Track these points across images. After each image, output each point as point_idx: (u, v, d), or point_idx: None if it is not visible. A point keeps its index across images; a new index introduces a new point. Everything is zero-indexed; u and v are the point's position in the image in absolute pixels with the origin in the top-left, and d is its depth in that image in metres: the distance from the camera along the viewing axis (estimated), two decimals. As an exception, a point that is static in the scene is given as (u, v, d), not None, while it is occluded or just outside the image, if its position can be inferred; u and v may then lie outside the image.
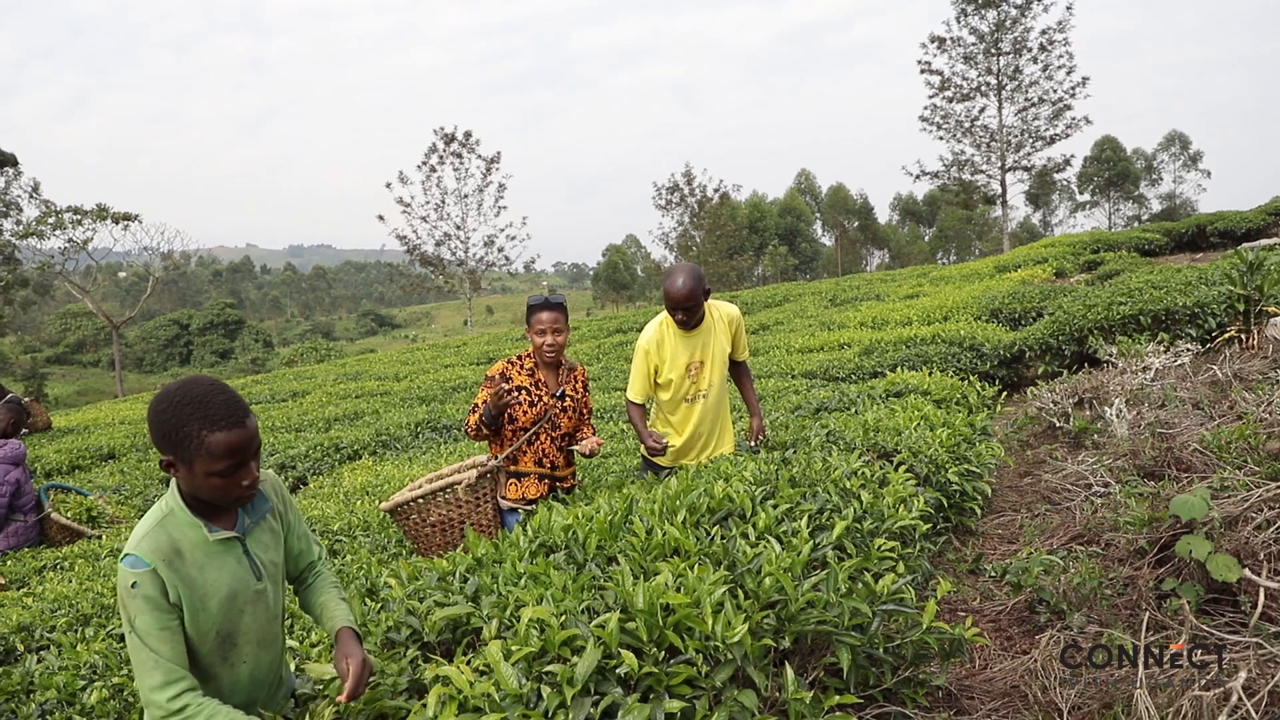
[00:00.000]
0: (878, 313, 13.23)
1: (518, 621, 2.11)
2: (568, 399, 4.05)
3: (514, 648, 1.96)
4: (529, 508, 3.95)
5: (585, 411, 4.19)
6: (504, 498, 4.00)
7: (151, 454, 10.92)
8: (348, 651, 1.95)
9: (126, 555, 1.78)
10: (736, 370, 4.43)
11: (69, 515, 6.56)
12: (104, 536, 6.35)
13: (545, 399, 3.99)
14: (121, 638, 3.68)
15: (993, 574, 3.72)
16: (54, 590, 4.56)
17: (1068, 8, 37.27)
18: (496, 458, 3.97)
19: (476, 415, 3.88)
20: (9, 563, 5.73)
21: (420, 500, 3.86)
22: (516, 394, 3.89)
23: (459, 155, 43.26)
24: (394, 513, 3.91)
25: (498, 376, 3.93)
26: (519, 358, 4.06)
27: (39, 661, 3.24)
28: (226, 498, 1.85)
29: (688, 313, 4.00)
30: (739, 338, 4.31)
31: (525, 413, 3.97)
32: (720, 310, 4.25)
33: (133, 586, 1.75)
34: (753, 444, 4.38)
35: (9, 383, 43.98)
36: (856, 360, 8.79)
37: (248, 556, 1.94)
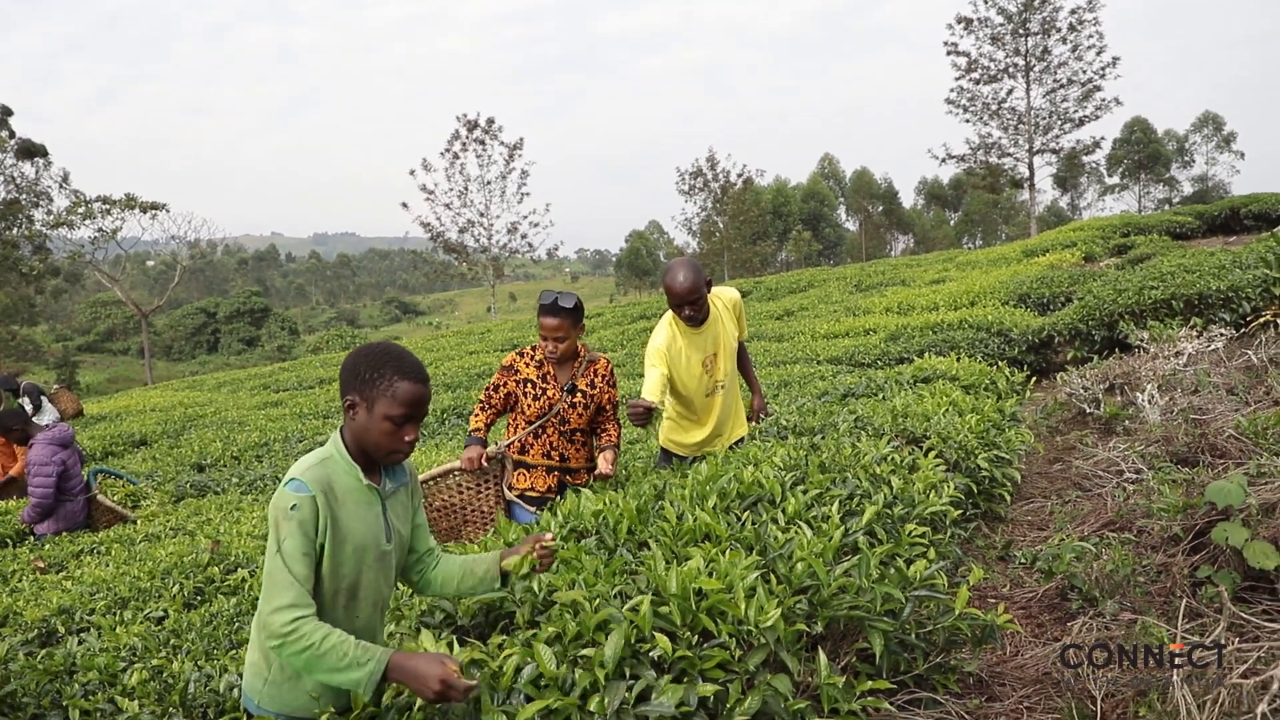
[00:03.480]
0: (903, 298, 13.14)
1: (551, 606, 2.12)
2: (578, 394, 3.92)
3: (549, 630, 1.98)
4: (535, 509, 3.86)
5: (608, 407, 4.04)
6: (511, 486, 3.95)
7: (183, 441, 11.08)
8: (524, 544, 2.22)
9: (290, 480, 1.94)
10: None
11: (115, 500, 6.71)
12: (138, 522, 6.46)
13: (550, 393, 3.91)
14: (159, 620, 3.75)
15: (1023, 560, 3.70)
16: (92, 574, 4.64)
17: (1098, -14, 36.63)
18: (499, 446, 3.93)
19: (481, 415, 3.98)
20: (47, 546, 5.85)
21: (425, 485, 3.86)
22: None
23: (482, 142, 43.38)
24: None
25: (510, 368, 3.98)
26: (532, 349, 3.98)
27: (80, 643, 3.30)
28: (385, 447, 2.02)
29: (694, 307, 3.86)
30: (741, 320, 4.26)
31: (530, 405, 3.91)
32: (723, 298, 4.15)
33: (292, 509, 1.91)
34: (755, 421, 4.40)
35: (41, 371, 44.71)
36: (883, 346, 8.74)
37: (384, 516, 2.09)
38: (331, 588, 1.99)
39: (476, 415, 3.97)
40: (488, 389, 3.99)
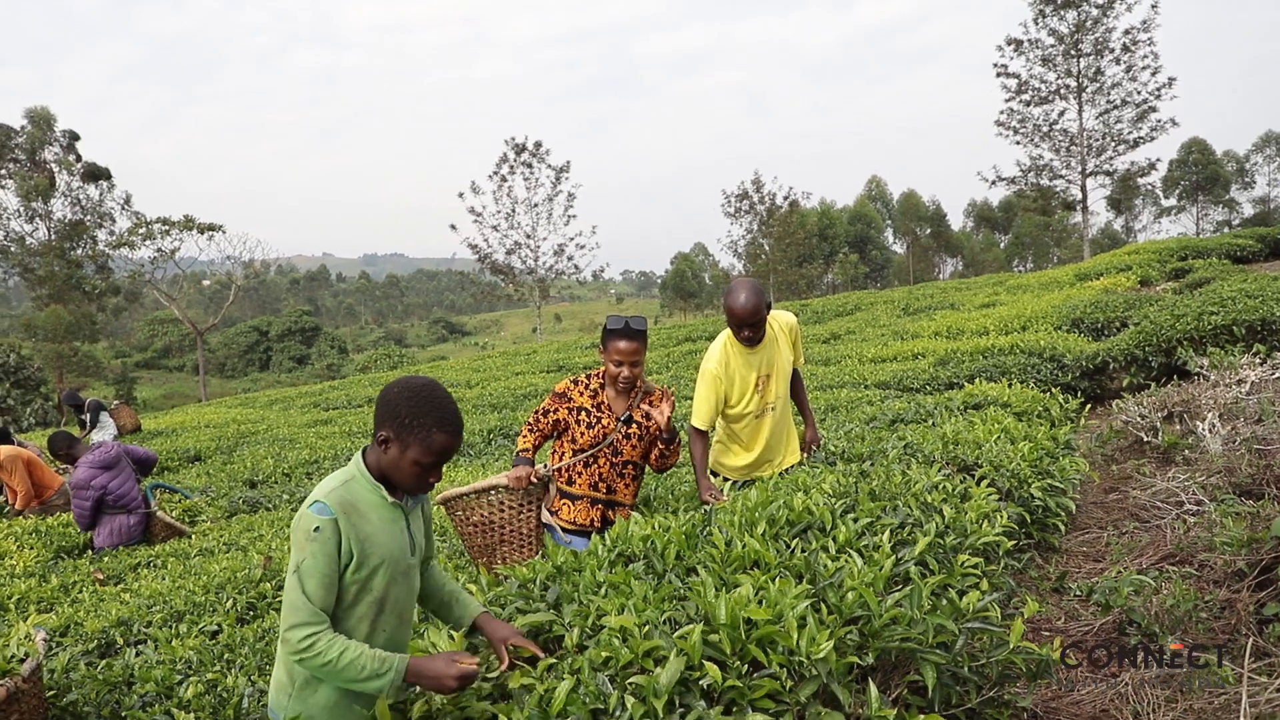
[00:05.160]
0: (953, 322, 12.97)
1: (599, 630, 2.13)
2: (634, 425, 3.80)
3: (599, 655, 1.98)
4: (575, 536, 3.76)
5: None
6: (551, 511, 3.84)
7: (235, 457, 11.31)
8: (500, 628, 2.22)
9: (314, 503, 2.02)
10: (791, 378, 4.27)
11: (172, 515, 6.92)
12: (193, 536, 6.60)
13: (605, 422, 3.78)
14: (214, 634, 3.82)
15: (1078, 593, 3.61)
16: (149, 587, 4.75)
17: (1152, 5, 35.90)
18: (548, 467, 3.84)
19: (529, 437, 3.87)
20: (106, 559, 6.00)
21: (466, 498, 3.80)
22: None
23: (529, 165, 43.89)
24: (445, 505, 3.85)
25: (563, 394, 3.87)
26: (586, 376, 3.88)
27: (138, 655, 3.39)
28: (408, 485, 2.12)
29: (754, 329, 3.86)
30: (797, 345, 4.24)
31: (583, 434, 3.79)
32: (780, 321, 4.15)
33: (315, 530, 1.98)
34: (807, 455, 4.31)
35: (101, 386, 46.03)
36: (932, 371, 8.62)
37: (408, 531, 2.17)
38: (361, 603, 2.07)
39: (524, 437, 3.89)
40: (536, 413, 3.91)
